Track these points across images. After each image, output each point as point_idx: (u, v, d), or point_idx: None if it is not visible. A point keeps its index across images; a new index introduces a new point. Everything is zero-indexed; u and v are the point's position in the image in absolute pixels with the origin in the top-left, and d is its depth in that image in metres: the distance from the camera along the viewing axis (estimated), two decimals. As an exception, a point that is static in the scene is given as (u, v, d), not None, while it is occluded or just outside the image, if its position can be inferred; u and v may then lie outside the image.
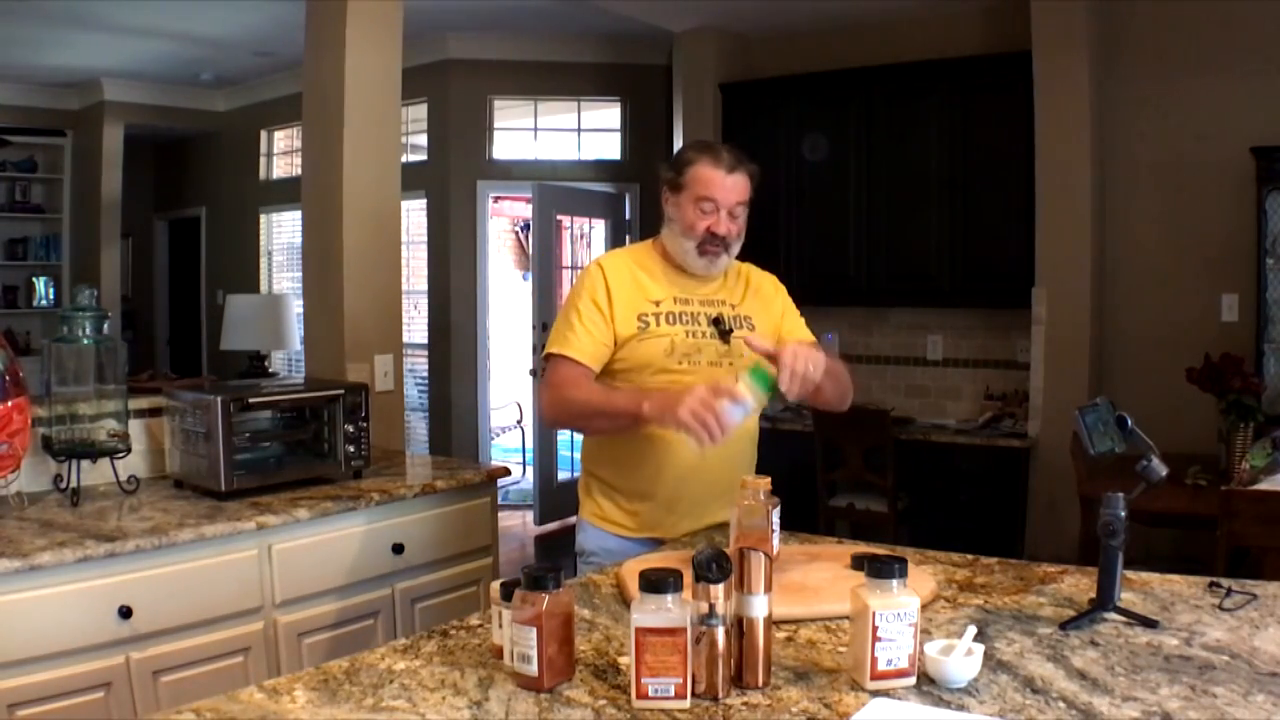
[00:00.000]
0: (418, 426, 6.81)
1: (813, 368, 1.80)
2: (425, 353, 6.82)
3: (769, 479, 1.60)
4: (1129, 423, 1.60)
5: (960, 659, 1.27)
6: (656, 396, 1.90)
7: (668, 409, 1.80)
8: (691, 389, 1.80)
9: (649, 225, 6.00)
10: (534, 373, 6.21)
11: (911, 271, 5.10)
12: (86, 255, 7.61)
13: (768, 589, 1.29)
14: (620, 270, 2.14)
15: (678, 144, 5.77)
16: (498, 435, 7.25)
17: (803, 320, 2.31)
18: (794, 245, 5.35)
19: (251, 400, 2.61)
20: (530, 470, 7.00)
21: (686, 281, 2.15)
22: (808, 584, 1.65)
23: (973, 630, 1.37)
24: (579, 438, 2.50)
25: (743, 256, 2.24)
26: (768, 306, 2.24)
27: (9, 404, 2.27)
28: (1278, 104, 4.34)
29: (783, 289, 2.31)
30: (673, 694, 1.21)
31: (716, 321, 2.14)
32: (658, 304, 2.12)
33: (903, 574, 1.28)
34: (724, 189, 2.07)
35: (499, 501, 3.02)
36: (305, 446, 2.77)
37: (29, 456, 2.42)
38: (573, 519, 2.50)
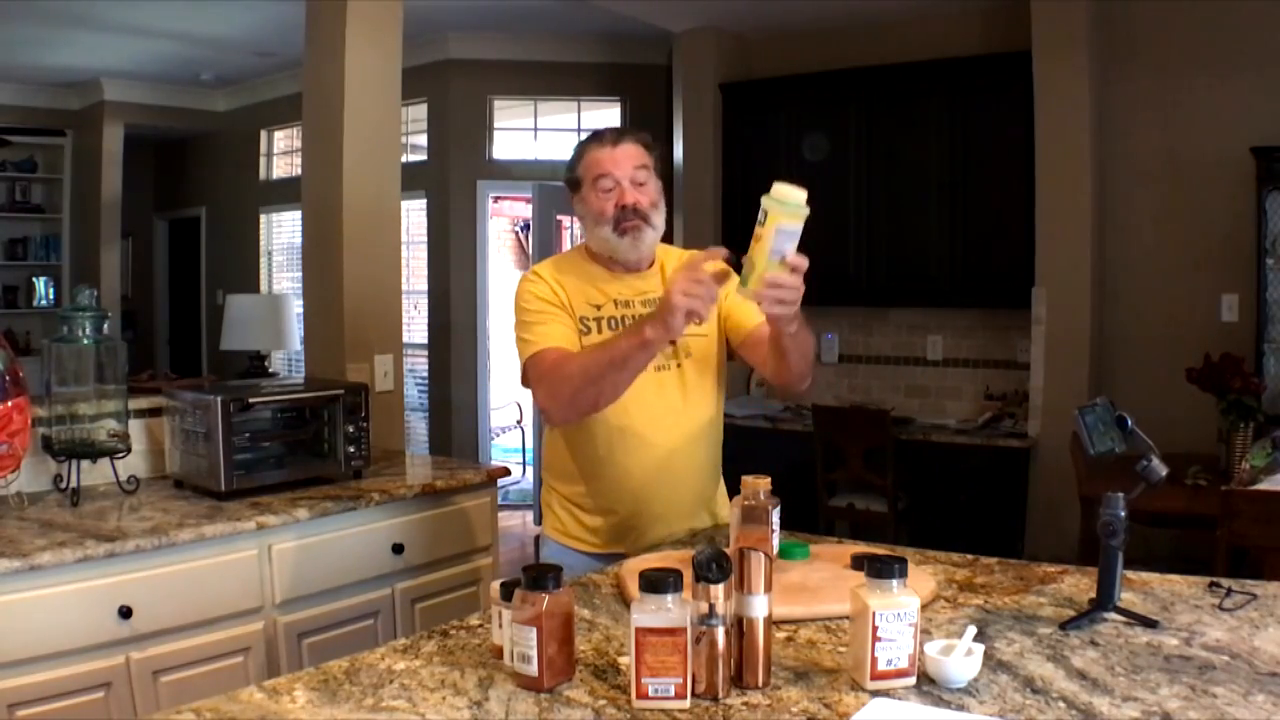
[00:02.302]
0: (418, 426, 6.81)
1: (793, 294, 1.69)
2: (425, 353, 6.82)
3: (769, 479, 1.59)
4: (1129, 423, 1.60)
5: (960, 659, 1.27)
6: (646, 315, 1.86)
7: (664, 311, 1.72)
8: (670, 279, 1.80)
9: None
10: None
11: (911, 271, 5.10)
12: (86, 255, 7.61)
13: (768, 589, 1.29)
14: (558, 273, 2.08)
15: (678, 144, 5.76)
16: (498, 435, 7.25)
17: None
18: (794, 245, 5.32)
19: (251, 400, 2.61)
20: (530, 470, 7.00)
21: (624, 280, 2.07)
22: (808, 584, 1.65)
23: (973, 630, 1.37)
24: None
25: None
26: None
27: (9, 404, 2.27)
28: (1278, 104, 4.34)
29: None
30: (673, 694, 1.21)
31: None
32: (599, 308, 2.05)
33: (903, 574, 1.28)
34: (615, 161, 2.00)
35: (499, 501, 3.02)
36: (305, 446, 2.76)
37: (29, 456, 2.42)
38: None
